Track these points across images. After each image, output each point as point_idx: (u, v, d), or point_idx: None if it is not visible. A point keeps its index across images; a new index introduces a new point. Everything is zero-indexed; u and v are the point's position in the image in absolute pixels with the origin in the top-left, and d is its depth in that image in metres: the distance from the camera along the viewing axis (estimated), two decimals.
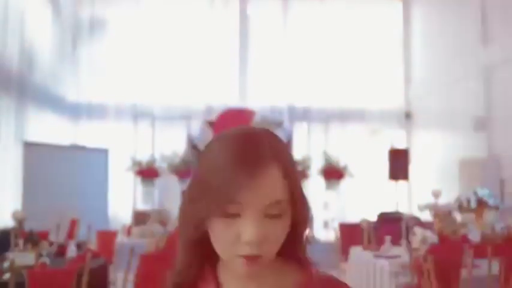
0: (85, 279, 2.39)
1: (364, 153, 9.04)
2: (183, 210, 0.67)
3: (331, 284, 0.73)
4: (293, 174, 0.66)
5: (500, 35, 6.44)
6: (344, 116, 9.11)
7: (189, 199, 0.66)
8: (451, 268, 2.58)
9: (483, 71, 6.76)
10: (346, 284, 0.76)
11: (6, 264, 2.78)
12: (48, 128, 7.81)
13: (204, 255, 0.70)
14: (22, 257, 2.67)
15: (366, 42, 9.34)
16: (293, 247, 0.73)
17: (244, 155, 0.62)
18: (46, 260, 2.91)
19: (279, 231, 0.64)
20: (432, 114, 8.53)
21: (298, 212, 0.67)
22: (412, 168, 8.51)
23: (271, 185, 0.62)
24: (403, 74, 9.40)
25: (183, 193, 0.71)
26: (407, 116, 9.30)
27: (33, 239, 3.00)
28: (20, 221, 3.18)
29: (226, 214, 0.62)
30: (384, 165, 8.14)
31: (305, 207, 0.69)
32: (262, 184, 0.61)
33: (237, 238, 0.62)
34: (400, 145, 8.78)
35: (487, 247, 3.06)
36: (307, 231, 0.74)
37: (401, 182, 8.19)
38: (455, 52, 7.58)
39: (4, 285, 2.41)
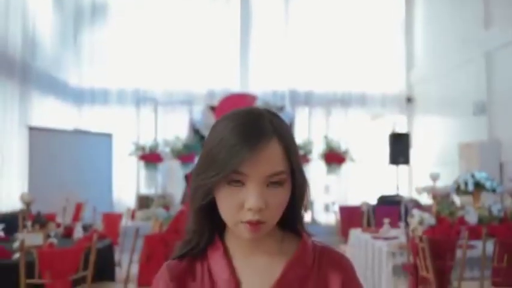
0: (92, 258, 2.48)
1: (365, 137, 9.09)
2: (194, 181, 0.73)
3: (325, 251, 0.80)
4: (292, 149, 0.72)
5: (502, 19, 6.42)
6: (345, 101, 9.13)
7: (198, 171, 0.72)
8: (446, 248, 2.66)
9: (484, 55, 6.76)
10: (338, 252, 0.83)
11: (15, 245, 2.88)
12: (51, 113, 7.88)
13: (213, 224, 0.76)
14: (31, 238, 2.75)
15: (367, 26, 9.30)
16: (293, 220, 0.79)
17: (247, 130, 0.68)
18: (54, 240, 3.01)
19: (279, 199, 0.70)
20: (433, 99, 8.55)
21: (296, 185, 0.74)
22: (413, 152, 8.58)
23: (271, 158, 0.68)
24: (405, 58, 9.38)
25: (188, 175, 0.78)
26: (409, 100, 9.32)
27: (41, 221, 3.09)
28: (27, 204, 3.27)
29: (231, 184, 0.68)
30: (385, 149, 8.21)
31: (303, 182, 0.75)
32: (263, 157, 0.67)
33: (241, 205, 0.68)
34: (402, 130, 8.83)
35: (481, 228, 3.14)
36: (304, 206, 0.81)
37: (402, 166, 8.28)
38: (457, 36, 7.55)
39: (15, 264, 2.51)
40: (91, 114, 8.98)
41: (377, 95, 9.30)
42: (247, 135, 0.68)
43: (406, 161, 8.04)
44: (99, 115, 8.92)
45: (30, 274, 2.34)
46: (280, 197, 0.70)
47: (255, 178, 0.68)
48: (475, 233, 3.28)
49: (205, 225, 0.76)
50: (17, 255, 2.71)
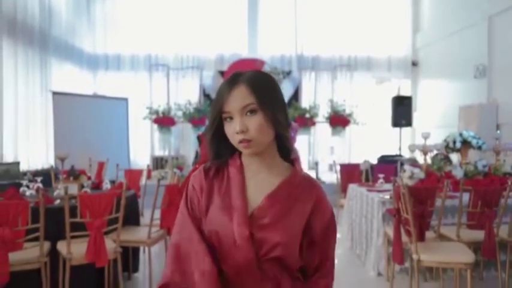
0: (123, 201, 2.93)
1: (370, 100, 9.35)
2: (208, 119, 1.11)
3: (307, 178, 1.13)
4: (260, 89, 1.03)
5: None
6: (351, 65, 9.34)
7: (210, 112, 1.10)
8: (427, 195, 3.04)
9: (487, 19, 6.91)
10: (316, 180, 1.16)
11: (56, 192, 3.36)
12: (69, 79, 8.27)
13: (232, 147, 1.10)
14: (68, 187, 3.20)
15: None
16: (286, 151, 1.13)
17: (224, 86, 1.06)
18: (88, 190, 3.48)
19: (256, 122, 1.02)
20: (437, 63, 8.74)
21: (273, 116, 1.04)
22: (417, 115, 8.86)
23: (240, 96, 1.02)
24: (411, 22, 9.48)
25: (200, 135, 1.16)
26: (414, 64, 9.49)
27: (75, 174, 3.55)
28: (62, 159, 3.72)
29: (226, 120, 1.05)
30: (388, 112, 8.49)
31: (279, 111, 1.04)
32: (235, 96, 1.02)
33: (235, 131, 1.03)
34: (406, 93, 9.06)
35: (465, 181, 3.52)
36: (290, 136, 1.12)
37: (405, 128, 8.57)
38: (460, 1, 7.68)
39: (58, 208, 2.98)
40: (106, 79, 9.35)
41: (383, 59, 9.48)
42: (224, 88, 1.03)
43: (408, 123, 8.32)
44: (114, 80, 9.29)
45: (72, 215, 2.80)
46: (256, 120, 1.02)
47: (235, 111, 1.02)
48: (458, 185, 3.66)
49: (223, 147, 1.12)
50: (57, 201, 3.19)
